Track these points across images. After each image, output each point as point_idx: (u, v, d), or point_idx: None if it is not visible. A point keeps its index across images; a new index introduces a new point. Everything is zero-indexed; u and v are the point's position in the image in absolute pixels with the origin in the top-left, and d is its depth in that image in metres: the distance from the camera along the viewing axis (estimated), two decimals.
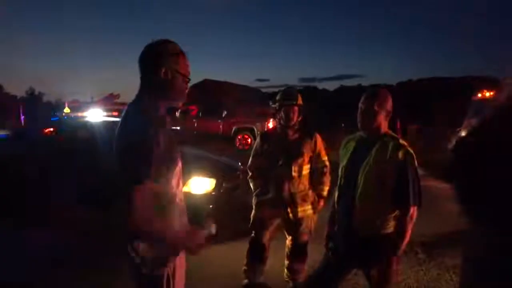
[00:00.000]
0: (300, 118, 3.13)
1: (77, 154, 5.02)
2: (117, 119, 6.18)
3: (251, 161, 3.28)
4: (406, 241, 2.09)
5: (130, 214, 1.36)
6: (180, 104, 1.70)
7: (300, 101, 3.11)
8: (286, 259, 3.29)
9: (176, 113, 14.12)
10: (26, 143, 5.73)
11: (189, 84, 1.68)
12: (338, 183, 2.36)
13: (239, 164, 5.53)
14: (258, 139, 3.30)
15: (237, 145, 14.08)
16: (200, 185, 4.56)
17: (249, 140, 13.83)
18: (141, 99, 1.58)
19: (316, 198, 3.18)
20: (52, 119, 7.37)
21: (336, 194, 2.39)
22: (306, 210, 3.10)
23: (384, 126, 2.17)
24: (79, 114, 7.56)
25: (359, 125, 2.22)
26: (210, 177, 4.68)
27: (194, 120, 15.10)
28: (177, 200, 1.60)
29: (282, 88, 3.29)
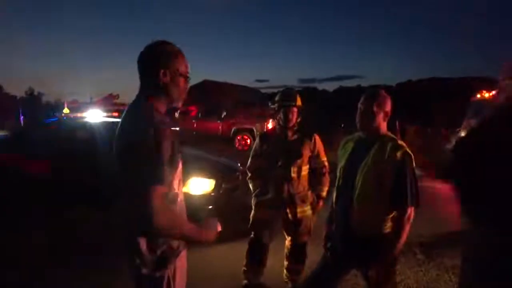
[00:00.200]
0: (299, 119, 3.14)
1: (77, 154, 5.03)
2: (117, 119, 6.18)
3: (251, 162, 3.28)
4: (403, 241, 2.09)
5: (148, 215, 1.36)
6: (180, 104, 1.70)
7: (299, 102, 3.11)
8: (285, 259, 3.29)
9: (176, 113, 14.12)
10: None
11: (189, 85, 1.69)
12: (336, 183, 2.36)
13: (239, 164, 5.53)
14: (257, 140, 3.31)
15: (237, 145, 14.08)
16: (199, 185, 4.56)
17: (249, 141, 13.84)
18: (141, 100, 1.58)
19: (315, 199, 3.18)
20: (51, 119, 7.37)
21: (334, 194, 2.39)
22: (305, 210, 3.11)
23: (383, 127, 2.18)
24: (79, 114, 7.53)
25: (358, 125, 2.22)
26: (210, 177, 4.68)
27: (193, 120, 15.11)
28: (179, 200, 1.61)
29: (281, 89, 3.30)
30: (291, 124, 3.09)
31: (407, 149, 2.09)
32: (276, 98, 3.15)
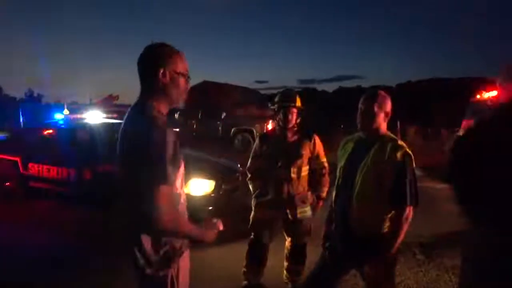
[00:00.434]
0: (299, 120, 3.14)
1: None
2: (117, 121, 6.18)
3: (250, 163, 3.29)
4: (400, 240, 2.09)
5: (154, 215, 1.38)
6: (180, 105, 1.71)
7: (298, 103, 3.12)
8: (285, 260, 3.29)
9: (176, 114, 14.11)
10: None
11: (189, 85, 1.69)
12: (336, 183, 2.36)
13: (238, 165, 5.53)
14: (257, 141, 3.31)
15: (236, 146, 14.06)
16: (200, 186, 4.57)
17: (248, 141, 13.80)
18: (142, 101, 1.59)
19: (315, 200, 3.18)
20: (50, 120, 7.36)
21: (334, 194, 2.40)
22: (305, 211, 3.11)
23: (383, 127, 2.18)
24: (78, 116, 7.51)
25: (358, 125, 2.22)
26: (209, 178, 4.69)
27: (193, 121, 15.07)
28: (182, 200, 1.62)
29: (281, 90, 3.30)
30: (290, 125, 3.09)
31: (407, 150, 2.09)
32: (276, 99, 3.15)
